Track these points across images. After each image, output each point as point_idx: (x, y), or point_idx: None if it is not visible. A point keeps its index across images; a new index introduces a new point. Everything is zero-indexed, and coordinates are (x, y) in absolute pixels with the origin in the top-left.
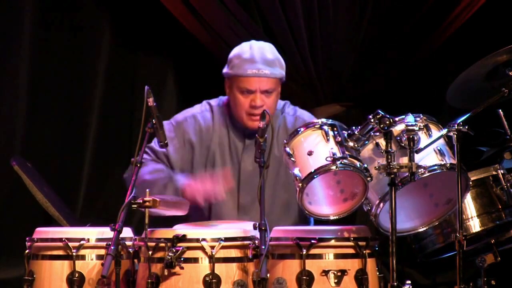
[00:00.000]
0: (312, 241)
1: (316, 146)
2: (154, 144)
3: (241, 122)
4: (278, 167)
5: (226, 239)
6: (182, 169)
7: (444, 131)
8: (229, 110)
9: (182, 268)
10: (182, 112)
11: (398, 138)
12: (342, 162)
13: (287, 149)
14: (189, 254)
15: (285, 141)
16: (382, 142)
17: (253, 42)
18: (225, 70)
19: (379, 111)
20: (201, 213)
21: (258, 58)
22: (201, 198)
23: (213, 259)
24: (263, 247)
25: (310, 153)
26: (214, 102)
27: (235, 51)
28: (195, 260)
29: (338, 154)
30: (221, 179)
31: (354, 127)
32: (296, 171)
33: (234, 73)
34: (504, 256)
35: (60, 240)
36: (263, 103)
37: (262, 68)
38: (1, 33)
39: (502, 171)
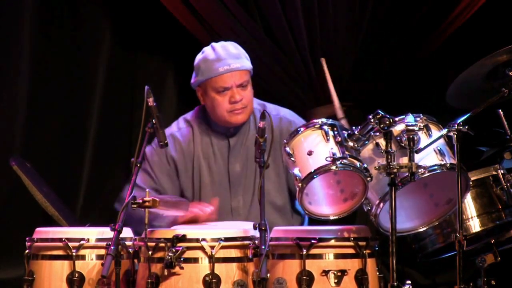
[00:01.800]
0: (312, 241)
1: (316, 146)
2: (140, 182)
3: (223, 121)
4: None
5: (226, 239)
6: (172, 188)
7: (444, 131)
8: (207, 117)
9: (182, 268)
10: None
11: (398, 138)
12: (342, 162)
13: (287, 149)
14: (189, 254)
15: (285, 141)
16: (382, 142)
17: (213, 43)
18: (193, 79)
19: (379, 111)
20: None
21: (224, 55)
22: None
23: (213, 259)
24: (263, 247)
25: (310, 153)
26: (190, 116)
27: (198, 58)
28: (195, 260)
29: (338, 154)
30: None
31: (354, 127)
32: (296, 171)
33: (205, 77)
34: (504, 256)
35: (60, 240)
36: (242, 97)
37: (232, 62)
38: (1, 33)
39: (502, 171)
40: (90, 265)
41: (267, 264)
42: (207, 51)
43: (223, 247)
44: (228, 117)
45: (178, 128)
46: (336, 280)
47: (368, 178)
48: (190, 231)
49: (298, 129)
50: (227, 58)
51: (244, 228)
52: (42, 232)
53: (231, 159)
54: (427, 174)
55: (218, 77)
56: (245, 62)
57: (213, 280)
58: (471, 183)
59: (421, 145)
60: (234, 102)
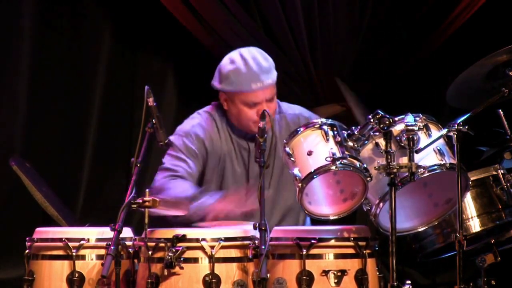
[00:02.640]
0: (312, 241)
1: (315, 146)
2: (171, 165)
3: (247, 130)
4: (282, 169)
5: (226, 239)
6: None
7: (444, 131)
8: (227, 118)
9: (182, 268)
10: (184, 123)
11: (398, 138)
12: (342, 162)
13: (287, 149)
14: (189, 254)
15: (284, 141)
16: (381, 142)
17: (242, 52)
18: (220, 85)
19: (379, 111)
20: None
21: (257, 70)
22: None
23: (213, 259)
24: (263, 247)
25: (309, 153)
26: (212, 110)
27: (228, 67)
28: (195, 260)
29: (338, 154)
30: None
31: (354, 127)
32: (295, 171)
33: (235, 89)
34: (504, 256)
35: (60, 240)
36: (269, 110)
37: (265, 79)
38: (1, 33)
39: (502, 171)
40: (90, 265)
41: (267, 264)
42: (238, 62)
43: (223, 247)
44: (253, 127)
45: (202, 119)
46: (336, 280)
47: (368, 178)
48: (190, 231)
49: (298, 129)
50: (260, 73)
51: (244, 228)
52: (42, 232)
53: (251, 163)
54: (427, 174)
55: (251, 93)
56: (275, 75)
57: (213, 280)
58: (471, 183)
59: (421, 145)
60: None
